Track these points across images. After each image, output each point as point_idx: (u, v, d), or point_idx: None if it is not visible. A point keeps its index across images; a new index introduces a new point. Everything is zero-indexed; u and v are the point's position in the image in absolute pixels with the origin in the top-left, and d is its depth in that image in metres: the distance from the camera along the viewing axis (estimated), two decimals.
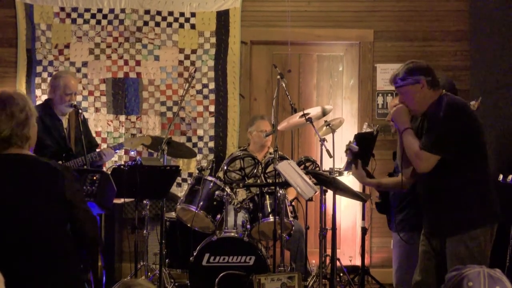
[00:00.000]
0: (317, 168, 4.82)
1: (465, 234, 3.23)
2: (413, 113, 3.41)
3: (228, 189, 4.70)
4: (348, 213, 5.94)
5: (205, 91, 5.90)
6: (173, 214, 4.92)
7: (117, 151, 5.10)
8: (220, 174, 5.10)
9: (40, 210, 2.58)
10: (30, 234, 2.56)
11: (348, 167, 4.58)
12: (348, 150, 4.03)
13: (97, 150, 4.88)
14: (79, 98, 5.59)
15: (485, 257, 3.23)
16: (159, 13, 5.88)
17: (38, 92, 5.84)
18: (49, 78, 5.81)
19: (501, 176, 4.33)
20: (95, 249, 2.86)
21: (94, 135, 5.50)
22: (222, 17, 5.90)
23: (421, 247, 3.48)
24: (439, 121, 3.24)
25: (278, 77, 4.80)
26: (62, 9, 5.87)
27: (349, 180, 5.12)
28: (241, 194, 5.18)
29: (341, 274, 5.21)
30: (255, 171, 4.78)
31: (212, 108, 5.90)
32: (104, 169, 5.14)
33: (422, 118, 3.42)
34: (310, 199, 4.38)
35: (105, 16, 5.87)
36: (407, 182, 3.89)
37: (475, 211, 3.26)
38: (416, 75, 3.30)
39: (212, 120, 5.90)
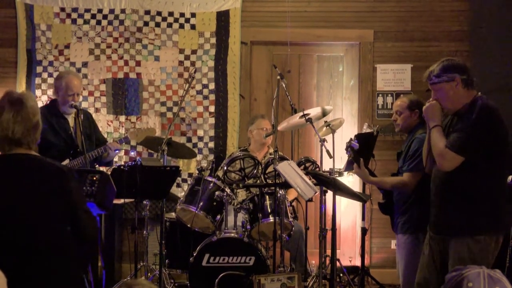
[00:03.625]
0: (317, 169, 4.81)
1: (470, 237, 3.21)
2: (446, 111, 3.38)
3: (228, 190, 4.70)
4: (348, 214, 5.94)
5: (205, 91, 5.89)
6: (173, 215, 4.91)
7: (123, 143, 5.07)
8: (219, 172, 5.09)
9: (46, 210, 2.59)
10: (34, 233, 2.57)
11: (348, 167, 4.59)
12: (349, 147, 4.01)
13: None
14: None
15: (487, 264, 3.18)
16: (159, 13, 5.88)
17: (38, 92, 5.84)
18: (49, 79, 5.81)
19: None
20: (94, 250, 2.87)
21: None
22: (222, 18, 5.89)
23: (425, 249, 3.46)
24: (470, 123, 3.20)
25: (278, 77, 4.80)
26: (62, 9, 5.87)
27: (349, 180, 5.13)
28: (241, 194, 5.18)
29: (341, 275, 5.21)
30: (255, 171, 4.78)
31: (212, 109, 5.89)
32: (105, 169, 5.15)
33: (451, 117, 3.38)
34: (310, 200, 4.37)
35: (105, 17, 5.87)
36: (412, 183, 3.89)
37: (484, 216, 3.23)
38: (451, 73, 3.27)
39: (212, 120, 5.90)
